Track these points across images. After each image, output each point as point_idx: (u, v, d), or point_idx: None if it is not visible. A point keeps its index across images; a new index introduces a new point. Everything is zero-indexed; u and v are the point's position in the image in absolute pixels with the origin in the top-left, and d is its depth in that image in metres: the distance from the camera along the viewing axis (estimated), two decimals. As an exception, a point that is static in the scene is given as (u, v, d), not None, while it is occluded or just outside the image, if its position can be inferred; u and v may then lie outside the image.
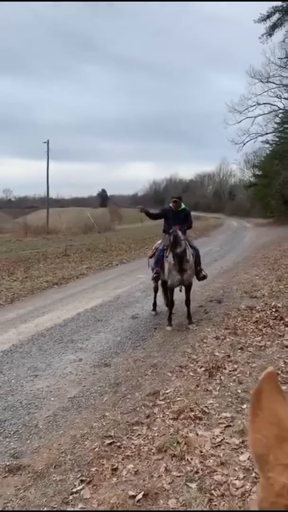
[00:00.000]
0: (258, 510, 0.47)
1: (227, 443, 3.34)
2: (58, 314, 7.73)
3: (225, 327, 6.21)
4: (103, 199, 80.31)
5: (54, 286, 10.60)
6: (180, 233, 6.49)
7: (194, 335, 6.11)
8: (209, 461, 3.11)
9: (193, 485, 2.88)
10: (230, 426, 3.58)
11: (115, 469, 3.16)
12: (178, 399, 4.14)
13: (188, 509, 2.68)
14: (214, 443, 3.34)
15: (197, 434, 3.48)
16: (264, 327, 6.13)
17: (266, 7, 26.72)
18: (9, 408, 4.33)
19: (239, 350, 5.29)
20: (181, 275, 6.63)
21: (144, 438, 3.56)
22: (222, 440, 3.39)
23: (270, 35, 27.09)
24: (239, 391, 4.21)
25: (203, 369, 4.78)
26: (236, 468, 3.00)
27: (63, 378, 4.99)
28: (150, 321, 7.18)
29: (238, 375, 4.59)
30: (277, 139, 34.83)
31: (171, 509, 2.70)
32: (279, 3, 25.61)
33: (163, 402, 4.16)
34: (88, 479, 3.09)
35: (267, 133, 33.72)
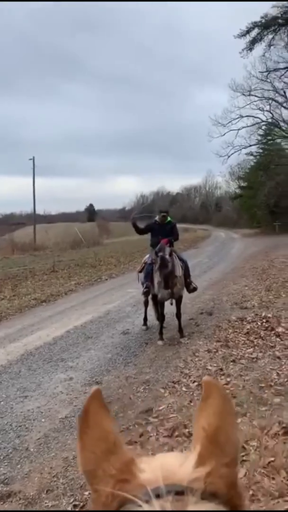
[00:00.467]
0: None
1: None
2: (47, 332, 7.61)
3: (217, 340, 6.16)
4: (90, 213, 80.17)
5: (43, 304, 10.47)
6: (167, 255, 6.45)
7: (186, 349, 6.06)
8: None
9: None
10: (225, 442, 3.52)
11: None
12: (172, 416, 4.07)
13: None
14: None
15: (192, 452, 3.40)
16: (256, 338, 6.10)
17: (245, 22, 27.26)
18: (-2, 431, 4.21)
19: (231, 363, 5.25)
20: (171, 288, 6.60)
21: (138, 458, 3.47)
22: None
23: (251, 49, 27.63)
24: (233, 405, 4.15)
25: (196, 384, 4.71)
26: (233, 486, 2.93)
27: (53, 398, 4.88)
28: (141, 336, 7.11)
29: (231, 388, 4.52)
30: (261, 150, 35.34)
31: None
32: (257, 19, 26.19)
33: (156, 420, 4.08)
34: (82, 504, 3.00)
35: (250, 145, 34.21)
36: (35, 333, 7.63)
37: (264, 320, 6.79)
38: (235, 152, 33.85)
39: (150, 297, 7.30)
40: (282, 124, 32.56)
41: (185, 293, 7.13)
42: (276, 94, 31.53)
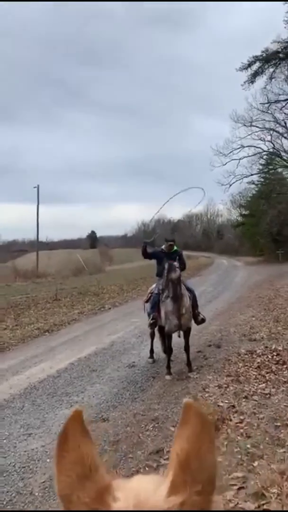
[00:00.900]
0: None
1: (242, 508, 3.06)
2: (51, 364, 7.41)
3: (227, 374, 5.97)
4: (92, 240, 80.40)
5: (46, 334, 10.28)
6: (175, 263, 6.39)
7: (196, 383, 5.86)
8: (224, 532, 2.83)
9: None
10: (243, 488, 3.31)
11: None
12: (184, 457, 3.86)
13: None
14: (227, 509, 3.06)
15: (208, 499, 3.20)
16: (267, 372, 5.91)
17: (246, 56, 28.07)
18: (0, 473, 4.00)
19: (243, 399, 5.05)
20: (179, 319, 6.44)
21: (151, 505, 3.26)
22: (236, 505, 3.11)
23: (252, 82, 28.37)
24: (248, 446, 3.95)
25: (208, 422, 4.51)
26: (255, 540, 2.72)
27: (58, 436, 4.67)
28: (148, 369, 6.91)
29: (246, 427, 4.33)
30: (262, 179, 35.74)
31: None
32: (258, 53, 26.93)
33: (167, 461, 3.86)
34: None
35: (252, 174, 34.66)
36: (39, 365, 7.43)
37: (274, 353, 6.61)
38: (237, 181, 34.27)
39: (156, 328, 7.14)
40: (283, 154, 33.06)
41: (192, 324, 6.96)
42: (277, 125, 32.21)
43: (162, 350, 7.08)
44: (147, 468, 3.80)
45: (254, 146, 33.34)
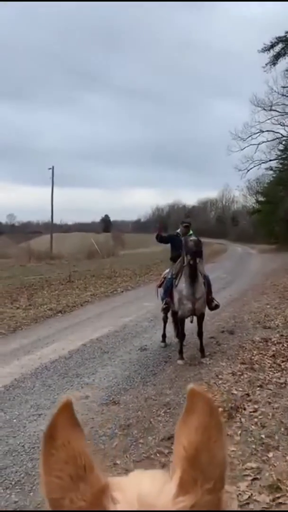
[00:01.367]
0: None
1: (256, 500, 2.96)
2: (63, 345, 7.37)
3: (241, 362, 5.84)
4: (106, 224, 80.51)
5: (58, 314, 10.26)
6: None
7: (208, 370, 5.75)
8: (238, 524, 2.74)
9: None
10: (257, 479, 3.21)
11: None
12: (196, 445, 3.77)
13: None
14: (241, 501, 2.96)
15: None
16: (283, 361, 5.76)
17: (269, 37, 27.21)
18: (10, 452, 3.96)
19: (258, 388, 4.93)
20: (193, 304, 6.31)
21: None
22: (249, 497, 3.00)
23: (274, 64, 27.55)
24: (263, 436, 3.84)
25: (221, 409, 4.39)
26: (270, 534, 2.62)
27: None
28: (160, 353, 6.82)
29: (260, 417, 4.22)
30: (280, 166, 34.99)
31: None
32: (282, 34, 26.11)
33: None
34: None
35: (270, 160, 33.96)
36: (50, 346, 7.40)
37: (290, 342, 6.45)
38: (255, 166, 33.66)
39: (169, 313, 7.04)
40: (303, 140, 32.24)
41: (206, 310, 6.83)
42: (298, 110, 31.30)
43: (174, 335, 6.98)
44: (158, 455, 3.73)
45: (273, 131, 32.62)
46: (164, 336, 7.23)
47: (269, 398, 4.65)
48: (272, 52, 27.13)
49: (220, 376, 5.42)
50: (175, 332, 6.92)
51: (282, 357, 5.90)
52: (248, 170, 33.61)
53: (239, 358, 6.04)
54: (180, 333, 6.52)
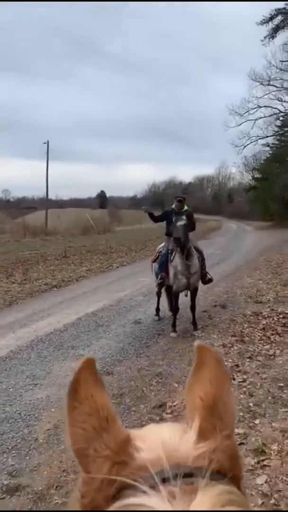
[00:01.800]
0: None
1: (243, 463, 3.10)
2: (58, 319, 7.49)
3: (232, 334, 5.99)
4: (102, 200, 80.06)
5: (54, 289, 10.36)
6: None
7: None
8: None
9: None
10: (243, 443, 3.35)
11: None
12: (186, 412, 3.92)
13: None
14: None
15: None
16: (272, 334, 5.91)
17: (268, 9, 26.54)
18: (7, 420, 4.10)
19: (247, 359, 5.07)
20: (188, 279, 6.41)
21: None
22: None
23: (273, 37, 26.97)
24: (251, 404, 3.98)
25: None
26: (253, 493, 2.77)
27: (64, 387, 4.74)
28: (153, 326, 6.96)
29: (249, 386, 4.36)
30: (277, 142, 34.72)
31: None
32: (281, 5, 25.48)
33: (170, 416, 3.93)
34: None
35: (267, 136, 33.66)
36: (46, 319, 7.52)
37: (281, 316, 6.60)
38: (251, 143, 33.40)
39: (164, 288, 7.14)
40: (301, 115, 31.89)
41: (199, 284, 6.94)
42: (296, 85, 30.84)
43: (168, 309, 7.11)
44: (149, 421, 3.86)
45: (271, 107, 32.19)
46: (157, 309, 7.36)
47: (257, 369, 4.80)
48: (271, 25, 26.55)
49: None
50: (169, 306, 7.04)
51: (271, 330, 6.04)
52: (245, 146, 33.38)
53: (230, 331, 6.18)
54: (174, 307, 6.64)
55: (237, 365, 4.90)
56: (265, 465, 2.98)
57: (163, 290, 7.22)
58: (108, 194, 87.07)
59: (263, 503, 2.67)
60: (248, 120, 32.52)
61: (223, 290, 9.14)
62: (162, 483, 0.40)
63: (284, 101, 31.92)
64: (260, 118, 32.47)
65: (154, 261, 7.34)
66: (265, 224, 35.72)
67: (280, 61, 29.28)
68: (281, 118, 33.26)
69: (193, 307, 6.63)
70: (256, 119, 32.42)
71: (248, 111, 32.25)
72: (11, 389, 4.75)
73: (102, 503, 0.44)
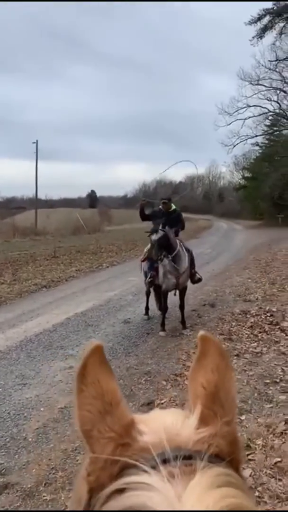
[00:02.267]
0: None
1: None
2: (47, 319, 7.50)
3: (220, 333, 6.05)
4: (92, 200, 79.80)
5: (43, 289, 10.36)
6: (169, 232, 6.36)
7: (188, 341, 5.94)
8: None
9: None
10: (229, 439, 3.41)
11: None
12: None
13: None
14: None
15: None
16: (260, 332, 5.99)
17: (256, 9, 26.75)
18: (-4, 419, 4.12)
19: (235, 357, 5.14)
20: (177, 279, 6.47)
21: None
22: (221, 454, 3.21)
23: (261, 37, 27.19)
24: (238, 400, 4.04)
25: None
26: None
27: (53, 386, 4.79)
28: (143, 326, 7.01)
29: (235, 383, 4.42)
30: (267, 141, 35.01)
31: None
32: (269, 6, 25.67)
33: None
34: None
35: (257, 135, 33.94)
36: (35, 319, 7.53)
37: (268, 314, 6.68)
38: (241, 142, 33.64)
39: (152, 287, 7.19)
40: (289, 115, 32.16)
41: (188, 284, 7.00)
42: (285, 84, 31.18)
43: (157, 308, 7.16)
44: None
45: (260, 106, 32.46)
46: (147, 308, 7.40)
47: (245, 366, 4.87)
48: (260, 25, 26.74)
49: (199, 346, 5.61)
50: (158, 305, 7.09)
51: (259, 328, 6.12)
52: (234, 146, 33.58)
53: (218, 329, 6.25)
54: (163, 306, 6.69)
55: (225, 363, 4.97)
56: (250, 459, 3.04)
57: (152, 289, 7.27)
58: (98, 194, 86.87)
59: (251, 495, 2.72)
60: (237, 119, 32.79)
61: (212, 289, 9.21)
62: (162, 464, 0.42)
63: (273, 101, 32.20)
64: (250, 117, 32.77)
65: (143, 260, 7.39)
66: (255, 223, 35.96)
67: (269, 60, 29.55)
68: (270, 118, 33.56)
69: (182, 306, 6.69)
70: (245, 119, 32.71)
71: (237, 110, 32.50)
72: (0, 389, 4.76)
73: (106, 481, 0.46)
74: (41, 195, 65.33)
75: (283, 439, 3.28)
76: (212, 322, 6.74)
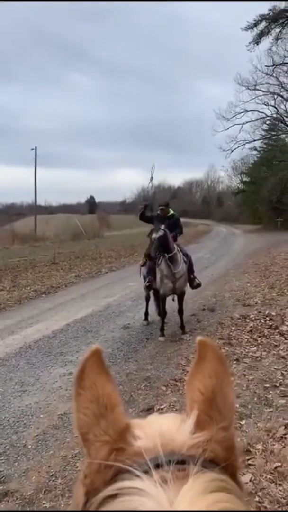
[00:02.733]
0: None
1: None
2: (47, 325, 7.50)
3: (219, 337, 6.05)
4: (91, 205, 79.93)
5: (42, 296, 10.36)
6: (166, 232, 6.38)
7: (188, 345, 5.94)
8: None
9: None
10: (229, 444, 3.41)
11: (109, 494, 2.96)
12: (174, 415, 3.96)
13: None
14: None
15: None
16: (259, 336, 5.99)
17: (253, 14, 26.95)
18: (-5, 427, 4.11)
19: (234, 362, 5.14)
20: (173, 283, 6.47)
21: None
22: (221, 460, 3.21)
23: (257, 43, 27.34)
24: (237, 405, 4.03)
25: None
26: (238, 492, 2.82)
27: (52, 393, 4.78)
28: (142, 331, 7.00)
29: (235, 388, 4.42)
30: (264, 146, 35.13)
31: None
32: (265, 12, 25.86)
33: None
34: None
35: (254, 140, 34.03)
36: (34, 326, 7.52)
37: (267, 318, 6.68)
38: (239, 146, 33.69)
39: (152, 292, 7.19)
40: (286, 119, 32.30)
41: (187, 289, 7.01)
42: (282, 89, 31.30)
43: (156, 313, 7.16)
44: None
45: (258, 111, 32.56)
46: (146, 314, 7.40)
47: (244, 371, 4.87)
48: (256, 31, 26.92)
49: (199, 351, 5.61)
50: (157, 310, 7.09)
51: (258, 332, 6.12)
52: (232, 151, 33.63)
53: (218, 334, 6.25)
54: (162, 311, 6.70)
55: (224, 368, 4.96)
56: (250, 464, 3.03)
57: (151, 294, 7.28)
58: (97, 200, 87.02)
59: (247, 501, 2.71)
60: (235, 124, 32.86)
61: (212, 294, 9.21)
62: (155, 469, 0.42)
63: (271, 105, 32.35)
64: (247, 122, 32.85)
65: (143, 265, 7.40)
66: (254, 227, 36.02)
67: (266, 66, 29.69)
68: (267, 122, 33.68)
69: (180, 311, 6.69)
70: (243, 123, 32.77)
71: (235, 115, 32.59)
72: (-1, 396, 4.76)
73: (100, 485, 0.46)
74: (40, 201, 65.50)
75: (283, 444, 3.27)
76: (211, 327, 6.74)
